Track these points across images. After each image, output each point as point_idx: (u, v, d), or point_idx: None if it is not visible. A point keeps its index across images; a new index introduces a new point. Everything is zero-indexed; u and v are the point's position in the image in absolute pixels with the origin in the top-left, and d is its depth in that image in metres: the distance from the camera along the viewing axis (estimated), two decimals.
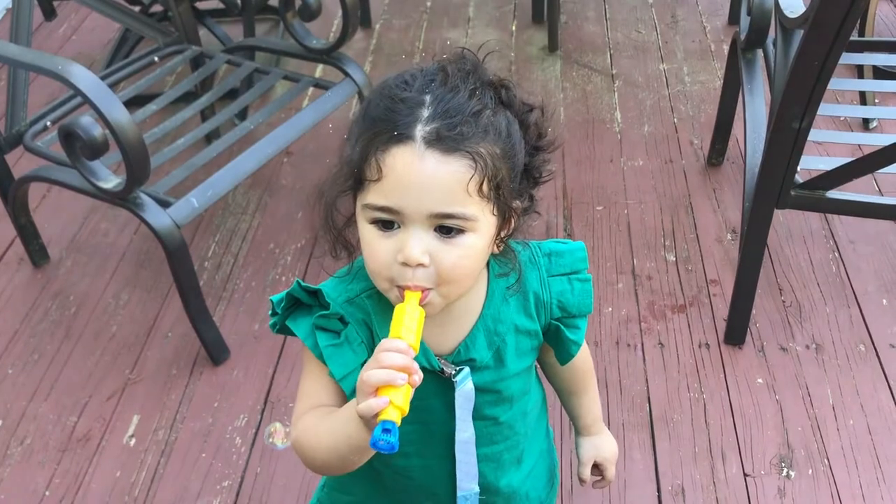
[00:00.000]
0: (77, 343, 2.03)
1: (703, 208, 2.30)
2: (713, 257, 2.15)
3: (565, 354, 1.00)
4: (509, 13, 3.26)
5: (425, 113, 0.77)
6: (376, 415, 0.74)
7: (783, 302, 2.01)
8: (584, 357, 1.07)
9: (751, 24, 1.92)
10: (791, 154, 1.58)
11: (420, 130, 0.77)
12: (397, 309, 0.80)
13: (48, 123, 2.05)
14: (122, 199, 1.73)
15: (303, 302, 0.90)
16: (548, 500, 1.16)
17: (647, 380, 1.85)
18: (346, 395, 0.88)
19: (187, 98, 2.21)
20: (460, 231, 0.79)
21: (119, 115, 1.57)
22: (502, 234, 0.86)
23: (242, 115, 2.34)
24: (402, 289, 0.80)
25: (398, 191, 0.77)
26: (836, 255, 2.13)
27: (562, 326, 0.96)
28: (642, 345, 1.93)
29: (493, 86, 0.82)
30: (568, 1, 3.25)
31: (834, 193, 1.66)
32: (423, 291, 0.80)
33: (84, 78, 1.57)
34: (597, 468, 1.16)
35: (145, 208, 1.73)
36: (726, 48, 2.93)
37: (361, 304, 0.89)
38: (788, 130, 1.54)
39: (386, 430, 0.72)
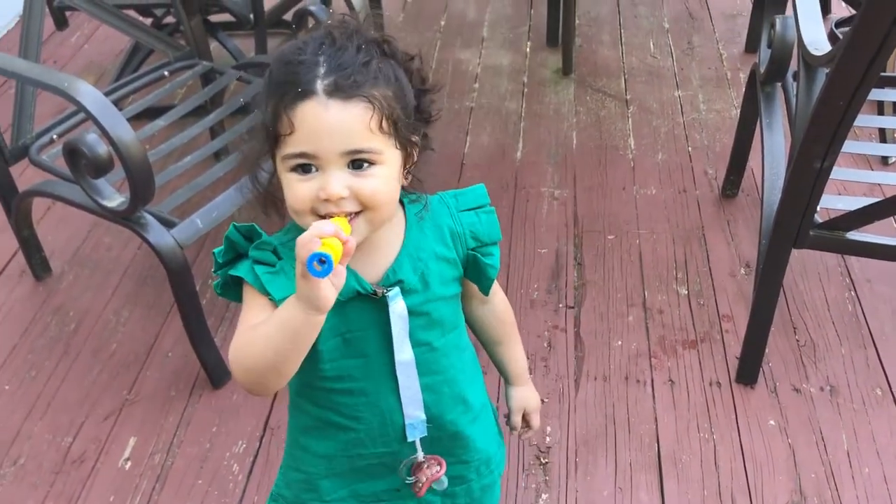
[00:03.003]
0: (75, 360, 1.99)
1: (717, 241, 2.25)
2: (726, 292, 2.10)
3: (486, 280, 1.09)
4: (523, 35, 3.23)
5: (321, 70, 0.89)
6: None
7: (797, 341, 1.96)
8: (504, 308, 1.20)
9: (771, 58, 1.88)
10: (811, 194, 1.54)
11: (320, 85, 0.88)
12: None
13: (54, 137, 2.02)
14: (126, 218, 1.70)
15: (242, 255, 0.99)
16: (496, 458, 1.23)
17: (655, 418, 1.81)
18: None
19: (196, 112, 2.19)
20: (371, 163, 0.91)
21: (124, 134, 1.54)
22: (408, 166, 0.98)
23: (250, 132, 2.31)
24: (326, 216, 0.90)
25: (311, 138, 0.88)
26: (853, 293, 2.08)
27: (478, 255, 1.06)
28: (652, 381, 1.88)
29: (377, 41, 0.94)
30: (583, 24, 3.22)
31: (854, 234, 1.62)
32: (349, 217, 0.91)
33: (90, 96, 1.54)
34: (524, 419, 1.30)
35: (148, 228, 1.70)
36: (743, 76, 2.92)
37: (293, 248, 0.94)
38: (809, 170, 1.50)
39: (321, 262, 0.80)
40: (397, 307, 1.00)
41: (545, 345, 1.98)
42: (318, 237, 0.82)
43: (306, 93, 0.88)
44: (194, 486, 1.70)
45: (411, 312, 1.01)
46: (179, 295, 1.77)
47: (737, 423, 1.79)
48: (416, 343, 1.03)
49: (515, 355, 1.25)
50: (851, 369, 1.89)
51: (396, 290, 1.00)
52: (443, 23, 3.32)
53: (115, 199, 1.70)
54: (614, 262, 2.21)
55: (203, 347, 1.87)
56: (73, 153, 1.63)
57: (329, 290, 0.85)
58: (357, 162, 0.90)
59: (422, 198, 1.04)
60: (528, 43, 3.18)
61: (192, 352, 1.89)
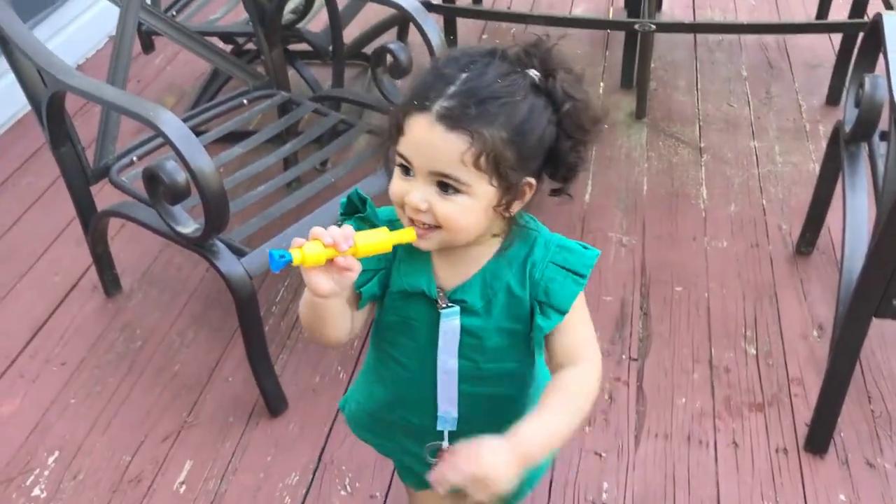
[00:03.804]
0: (139, 378, 2.03)
1: (789, 300, 2.19)
2: (797, 354, 2.03)
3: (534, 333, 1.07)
4: (598, 75, 3.21)
5: (450, 90, 0.92)
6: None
7: (872, 412, 1.88)
8: (573, 380, 1.03)
9: (858, 118, 1.83)
10: None
11: (437, 105, 0.92)
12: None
13: (134, 159, 2.07)
14: (198, 245, 1.73)
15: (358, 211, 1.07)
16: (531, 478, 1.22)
17: (717, 482, 1.75)
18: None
19: (271, 141, 2.22)
20: (456, 190, 0.94)
21: (203, 165, 1.57)
22: (505, 202, 0.97)
23: (324, 165, 2.34)
24: (409, 218, 0.98)
25: (412, 147, 0.94)
26: None
27: (537, 307, 1.03)
28: (715, 443, 1.83)
29: (535, 75, 0.94)
30: (658, 68, 3.19)
31: None
32: (424, 227, 0.96)
33: (172, 125, 1.58)
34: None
35: (219, 256, 1.72)
36: (822, 129, 2.85)
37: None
38: None
39: (281, 257, 0.87)
40: (450, 324, 1.04)
41: (606, 397, 1.94)
42: (314, 239, 0.90)
43: (422, 108, 0.93)
44: None
45: (466, 331, 1.05)
46: (245, 322, 1.79)
47: (804, 493, 1.72)
48: (463, 356, 1.07)
49: (545, 419, 0.98)
50: None
51: (455, 309, 1.03)
52: None
53: (190, 226, 1.73)
54: (681, 314, 2.16)
55: (263, 376, 1.88)
56: (152, 179, 1.67)
57: (319, 280, 0.91)
58: (443, 184, 0.94)
59: (531, 232, 1.04)
60: (602, 84, 3.16)
61: (252, 378, 1.91)
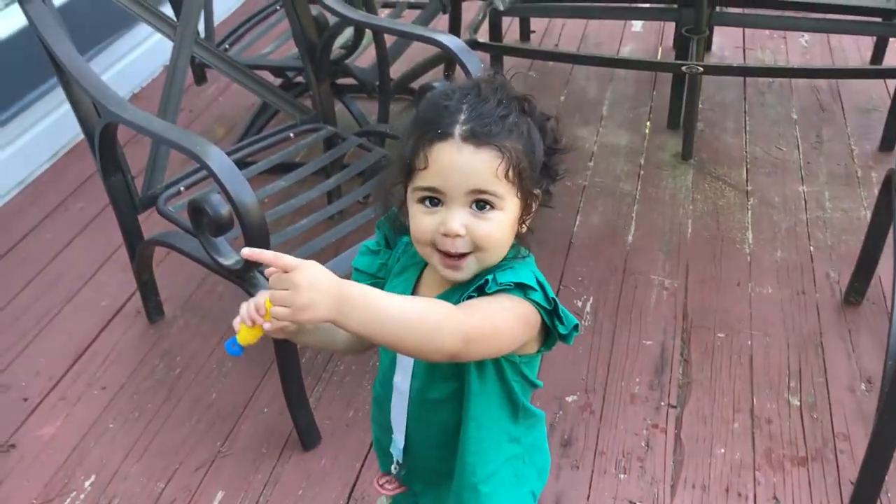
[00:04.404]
0: (177, 406, 2.05)
1: (836, 351, 2.13)
2: (843, 408, 1.97)
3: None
4: (644, 115, 3.19)
5: (462, 117, 0.97)
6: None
7: None
8: (446, 305, 0.97)
9: None
10: None
11: (458, 129, 0.97)
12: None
13: (181, 189, 2.12)
14: (239, 276, 1.75)
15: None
16: None
17: None
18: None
19: (315, 174, 2.25)
20: (492, 206, 0.98)
21: (247, 199, 1.59)
22: (524, 217, 1.03)
23: (366, 199, 2.36)
24: (442, 254, 0.99)
25: (442, 176, 0.97)
26: None
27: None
28: (755, 497, 1.77)
29: (517, 99, 1.01)
30: (706, 108, 3.16)
31: None
32: (459, 258, 0.99)
33: (218, 160, 1.61)
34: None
35: (259, 288, 1.74)
36: (875, 175, 2.78)
37: (413, 252, 1.08)
38: None
39: (233, 345, 0.94)
40: None
41: (643, 444, 1.90)
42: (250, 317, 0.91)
43: (444, 135, 0.97)
44: None
45: None
46: (281, 355, 1.80)
47: None
48: (415, 376, 1.08)
49: (383, 294, 0.95)
50: None
51: None
52: (562, 98, 3.32)
53: (231, 258, 1.75)
54: (723, 362, 2.11)
55: (298, 409, 1.89)
56: (197, 211, 1.70)
57: (276, 333, 0.94)
58: (480, 203, 0.98)
59: (517, 257, 1.05)
60: (648, 124, 3.14)
61: (286, 410, 1.92)
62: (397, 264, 1.12)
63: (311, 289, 0.86)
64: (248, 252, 0.91)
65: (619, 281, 2.37)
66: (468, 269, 1.00)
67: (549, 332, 1.03)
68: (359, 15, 2.26)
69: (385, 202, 1.09)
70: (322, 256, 1.89)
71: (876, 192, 2.27)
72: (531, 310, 0.99)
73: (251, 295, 1.74)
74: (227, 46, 2.86)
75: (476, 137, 0.96)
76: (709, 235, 2.56)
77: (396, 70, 2.85)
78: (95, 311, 2.34)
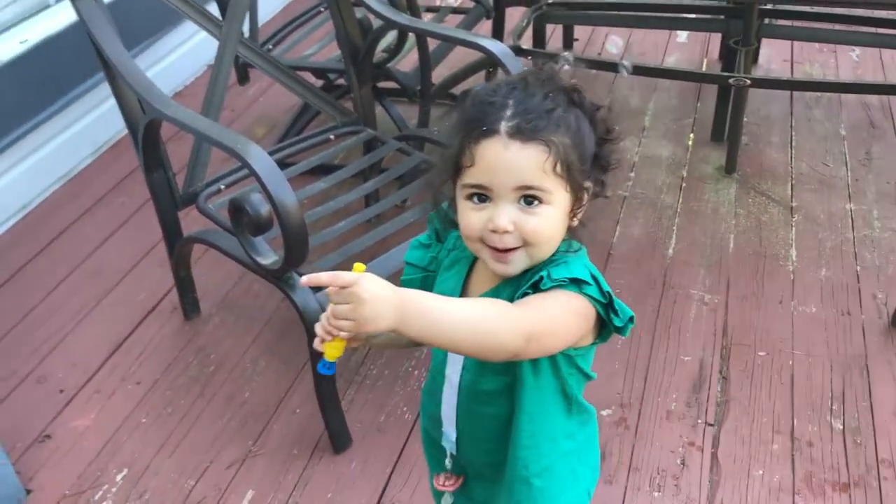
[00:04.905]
0: (210, 403, 2.06)
1: (882, 374, 2.07)
2: (888, 434, 1.91)
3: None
4: (687, 127, 3.15)
5: (508, 113, 0.96)
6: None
7: None
8: (507, 305, 0.97)
9: None
10: None
11: (504, 126, 0.96)
12: None
13: (222, 187, 2.12)
14: (276, 276, 1.74)
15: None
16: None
17: None
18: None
19: (354, 177, 2.25)
20: (540, 201, 0.97)
21: (287, 200, 1.59)
22: (576, 209, 1.02)
23: (404, 203, 2.35)
24: (491, 248, 0.99)
25: (489, 172, 0.96)
26: None
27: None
28: None
29: (566, 90, 1.00)
30: (751, 122, 3.10)
31: None
32: (507, 252, 0.98)
33: (260, 159, 1.61)
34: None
35: (296, 289, 1.74)
36: None
37: (463, 245, 1.06)
38: None
39: (324, 366, 0.95)
40: None
41: (678, 461, 1.86)
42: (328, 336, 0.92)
43: (490, 132, 0.96)
44: None
45: None
46: (315, 357, 1.79)
47: None
48: (467, 368, 1.07)
49: (443, 299, 0.97)
50: None
51: None
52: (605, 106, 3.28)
53: (270, 258, 1.75)
54: (763, 381, 2.06)
55: (330, 411, 1.88)
56: (237, 210, 1.70)
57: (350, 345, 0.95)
58: (528, 198, 0.97)
59: (569, 251, 1.04)
60: (692, 136, 3.09)
61: (318, 412, 1.91)
62: (447, 258, 1.12)
63: (374, 301, 0.87)
64: (307, 280, 0.91)
65: (658, 294, 2.33)
66: (517, 263, 1.00)
67: (605, 325, 1.02)
68: (403, 18, 2.25)
69: (435, 198, 1.09)
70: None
71: None
72: (586, 304, 0.99)
73: (288, 295, 1.75)
74: (270, 47, 2.88)
75: (522, 133, 0.96)
76: (751, 251, 2.51)
77: (437, 75, 2.85)
78: (132, 306, 2.36)
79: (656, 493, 1.79)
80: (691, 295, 2.33)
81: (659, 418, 1.97)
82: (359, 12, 2.34)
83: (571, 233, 1.04)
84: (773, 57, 3.56)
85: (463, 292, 1.08)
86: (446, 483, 1.19)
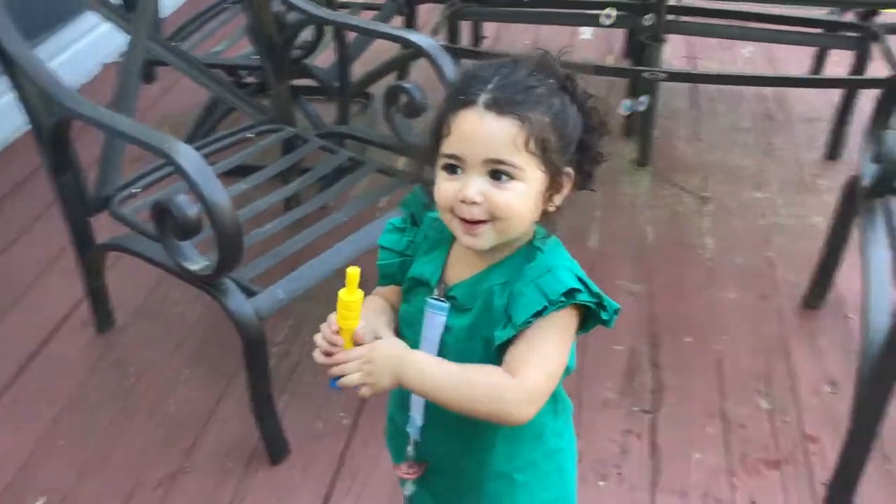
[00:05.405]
0: (131, 418, 1.94)
1: (801, 354, 2.15)
2: (811, 411, 1.99)
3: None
4: None
5: (489, 86, 0.97)
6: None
7: (887, 471, 1.84)
8: (502, 375, 0.99)
9: (883, 173, 1.82)
10: None
11: (482, 98, 0.97)
12: (341, 294, 0.98)
13: (134, 190, 2.01)
14: (207, 283, 1.66)
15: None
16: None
17: None
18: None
19: (275, 177, 2.17)
20: (510, 177, 0.97)
21: (220, 199, 1.51)
22: (552, 194, 1.01)
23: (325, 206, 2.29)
24: (461, 220, 0.99)
25: (462, 142, 0.97)
26: None
27: (504, 320, 1.01)
28: (734, 502, 1.77)
29: (559, 76, 1.00)
30: (662, 116, 3.18)
31: None
32: (475, 224, 0.98)
33: (189, 158, 1.52)
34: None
35: (229, 295, 1.66)
36: (822, 183, 2.85)
37: (440, 227, 1.07)
38: None
39: (333, 380, 1.00)
40: (435, 318, 1.05)
41: (618, 450, 1.88)
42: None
43: (469, 102, 0.97)
44: None
45: (448, 329, 1.05)
46: (251, 365, 1.71)
47: None
48: (442, 356, 1.04)
49: (443, 364, 1.01)
50: None
51: (443, 304, 1.04)
52: None
53: (199, 263, 1.66)
54: (692, 367, 2.11)
55: (266, 419, 1.80)
56: (161, 212, 1.60)
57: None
58: (497, 173, 0.97)
59: (547, 240, 1.03)
60: None
61: (250, 421, 1.83)
62: (425, 241, 1.11)
63: (372, 363, 0.97)
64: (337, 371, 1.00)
65: None
66: (486, 237, 0.99)
67: (587, 317, 1.02)
68: (325, 12, 2.19)
69: (415, 174, 1.09)
70: (293, 261, 1.81)
71: (825, 199, 2.33)
72: (574, 314, 1.00)
73: (221, 302, 1.66)
74: (176, 43, 2.75)
75: (498, 106, 0.96)
76: (670, 241, 2.57)
77: (353, 73, 2.79)
78: (40, 320, 2.20)
79: (601, 483, 1.80)
80: (617, 286, 2.37)
81: (595, 407, 1.98)
82: (273, 6, 2.26)
83: (546, 218, 1.03)
84: (674, 54, 3.67)
85: (442, 277, 1.07)
86: (409, 471, 1.16)
